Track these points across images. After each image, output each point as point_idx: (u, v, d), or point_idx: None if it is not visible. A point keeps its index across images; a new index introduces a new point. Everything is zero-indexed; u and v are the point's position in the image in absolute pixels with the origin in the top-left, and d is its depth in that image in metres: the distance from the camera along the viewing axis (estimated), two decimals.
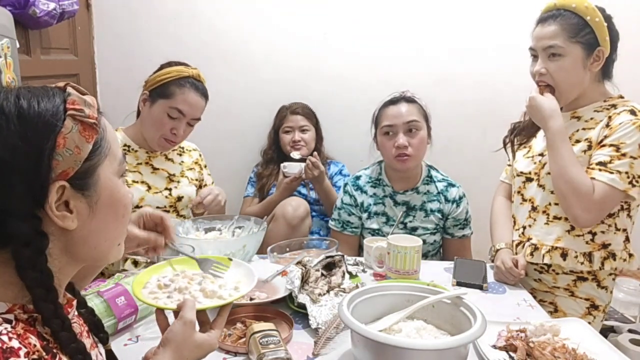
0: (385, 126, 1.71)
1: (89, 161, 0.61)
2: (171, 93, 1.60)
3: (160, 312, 0.82)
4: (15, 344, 0.53)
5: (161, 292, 0.86)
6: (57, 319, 0.60)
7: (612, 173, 1.32)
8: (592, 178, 1.34)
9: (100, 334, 0.77)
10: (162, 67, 1.66)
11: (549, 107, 1.39)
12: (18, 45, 1.52)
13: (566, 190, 1.36)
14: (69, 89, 0.63)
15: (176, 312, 0.80)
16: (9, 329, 0.55)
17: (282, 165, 2.16)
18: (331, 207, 2.05)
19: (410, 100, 1.72)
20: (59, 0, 1.81)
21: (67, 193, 0.60)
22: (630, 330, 1.78)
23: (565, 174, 1.35)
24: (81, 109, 0.61)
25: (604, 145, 1.36)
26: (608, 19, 1.39)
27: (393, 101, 1.73)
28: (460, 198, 1.77)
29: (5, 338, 0.53)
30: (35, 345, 0.56)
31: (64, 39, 2.15)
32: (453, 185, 1.78)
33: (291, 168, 2.12)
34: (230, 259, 0.97)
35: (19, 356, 0.53)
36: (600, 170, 1.34)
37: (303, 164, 2.09)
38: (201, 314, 0.83)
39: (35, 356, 0.55)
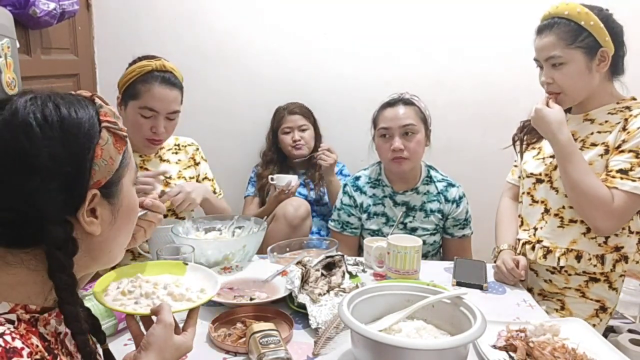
0: (382, 128, 1.71)
1: (117, 171, 0.65)
2: (137, 92, 1.54)
3: (131, 318, 0.82)
4: (18, 344, 0.54)
5: (126, 298, 0.84)
6: (77, 322, 0.62)
7: (634, 181, 1.31)
8: (614, 187, 1.33)
9: (98, 333, 0.77)
10: (129, 65, 1.61)
11: (556, 119, 1.37)
12: (18, 45, 1.52)
13: (583, 203, 1.36)
14: (98, 101, 0.67)
15: (145, 318, 0.81)
16: (12, 329, 0.55)
17: (270, 177, 2.13)
18: (334, 196, 2.04)
19: (408, 102, 1.72)
20: (59, 0, 1.81)
21: (96, 200, 0.63)
22: (630, 330, 1.78)
23: (580, 186, 1.34)
24: (114, 121, 0.65)
25: (622, 151, 1.34)
26: (605, 17, 1.36)
27: (390, 103, 1.72)
28: (460, 198, 1.76)
29: (8, 338, 0.54)
30: (37, 346, 0.57)
31: (64, 39, 2.15)
32: (453, 185, 1.78)
33: (279, 180, 2.09)
34: (186, 264, 0.97)
35: (22, 356, 0.53)
36: (622, 178, 1.32)
37: (291, 177, 2.07)
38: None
39: (37, 356, 0.55)
